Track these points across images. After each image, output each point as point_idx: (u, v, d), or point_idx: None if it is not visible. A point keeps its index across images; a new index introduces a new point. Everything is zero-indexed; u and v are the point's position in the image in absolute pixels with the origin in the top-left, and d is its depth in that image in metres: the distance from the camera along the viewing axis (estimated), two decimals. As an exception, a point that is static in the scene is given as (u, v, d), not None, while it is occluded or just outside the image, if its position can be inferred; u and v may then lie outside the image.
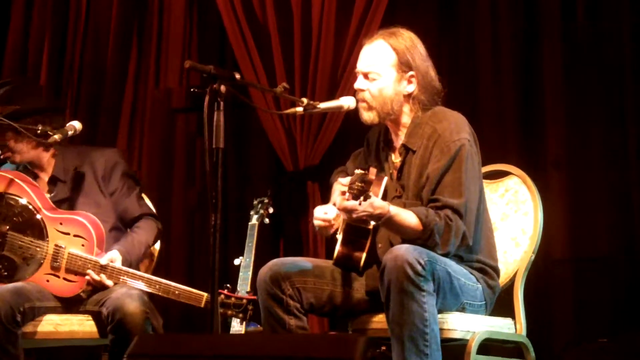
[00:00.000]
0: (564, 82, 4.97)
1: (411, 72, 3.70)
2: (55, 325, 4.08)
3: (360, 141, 5.15)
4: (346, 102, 3.80)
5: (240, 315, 3.67)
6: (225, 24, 5.55)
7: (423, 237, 3.50)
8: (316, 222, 3.70)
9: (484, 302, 3.75)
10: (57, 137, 4.12)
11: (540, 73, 5.04)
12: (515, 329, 3.90)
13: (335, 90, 5.30)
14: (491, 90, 5.11)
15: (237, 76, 3.37)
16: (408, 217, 3.50)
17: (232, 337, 3.79)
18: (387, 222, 3.48)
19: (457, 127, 3.66)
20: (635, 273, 4.74)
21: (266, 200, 4.87)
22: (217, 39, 5.68)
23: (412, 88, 3.72)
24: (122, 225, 4.32)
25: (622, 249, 4.79)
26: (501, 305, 3.88)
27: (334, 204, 3.51)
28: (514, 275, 4.00)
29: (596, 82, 4.91)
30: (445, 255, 3.56)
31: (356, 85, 3.75)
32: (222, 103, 3.25)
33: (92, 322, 4.07)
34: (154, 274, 4.26)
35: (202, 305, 3.91)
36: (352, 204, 3.30)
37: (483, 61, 5.16)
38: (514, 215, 4.09)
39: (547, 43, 5.03)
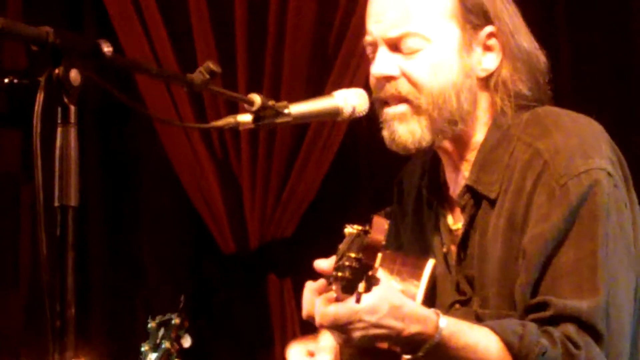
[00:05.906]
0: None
1: (490, 27, 2.36)
2: None
3: (384, 185, 3.53)
4: (348, 99, 2.29)
5: None
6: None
7: None
8: None
9: None
10: None
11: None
12: None
13: (323, 78, 3.65)
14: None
15: (107, 49, 1.94)
16: (481, 342, 2.25)
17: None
18: (434, 351, 2.23)
19: (581, 147, 2.36)
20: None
21: (174, 321, 3.31)
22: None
23: (493, 61, 2.34)
24: None
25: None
26: None
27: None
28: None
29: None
30: None
31: (376, 70, 2.35)
32: (72, 108, 1.84)
33: None
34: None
35: None
36: (345, 309, 2.08)
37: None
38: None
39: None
